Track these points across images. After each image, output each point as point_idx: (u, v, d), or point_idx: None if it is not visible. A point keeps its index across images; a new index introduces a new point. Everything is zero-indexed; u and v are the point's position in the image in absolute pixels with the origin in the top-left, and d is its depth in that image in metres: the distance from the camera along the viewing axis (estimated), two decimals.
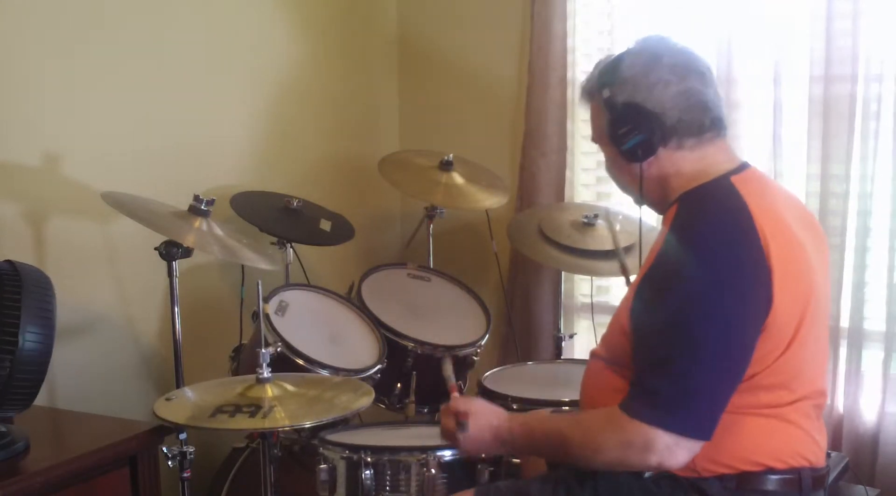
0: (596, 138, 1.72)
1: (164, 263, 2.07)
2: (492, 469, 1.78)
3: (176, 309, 2.11)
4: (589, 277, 2.93)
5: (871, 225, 2.50)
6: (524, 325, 3.05)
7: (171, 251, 2.05)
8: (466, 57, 3.18)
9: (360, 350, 2.36)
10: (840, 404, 2.55)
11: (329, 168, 3.09)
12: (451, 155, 2.79)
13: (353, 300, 2.50)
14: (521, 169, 3.04)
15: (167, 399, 1.79)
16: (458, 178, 2.79)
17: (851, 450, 2.51)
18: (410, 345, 2.42)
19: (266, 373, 1.77)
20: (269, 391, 1.74)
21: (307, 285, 2.53)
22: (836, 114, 2.49)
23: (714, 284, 1.46)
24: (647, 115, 1.58)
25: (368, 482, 1.77)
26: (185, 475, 2.08)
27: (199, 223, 2.11)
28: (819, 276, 1.59)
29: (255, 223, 2.46)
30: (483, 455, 1.84)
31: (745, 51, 2.62)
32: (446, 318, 2.59)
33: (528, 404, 2.16)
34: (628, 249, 2.59)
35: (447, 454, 1.79)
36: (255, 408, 1.69)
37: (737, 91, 2.62)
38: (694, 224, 1.53)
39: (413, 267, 2.74)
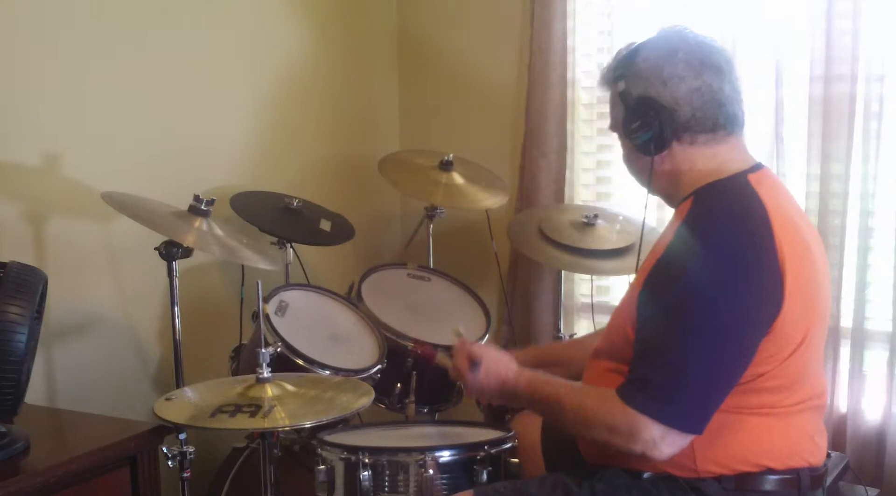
0: (612, 127, 1.72)
1: (164, 263, 2.07)
2: (490, 469, 1.78)
3: (176, 309, 2.11)
4: (589, 277, 2.93)
5: (872, 225, 2.49)
6: (524, 325, 3.05)
7: (171, 251, 2.05)
8: (466, 57, 3.17)
9: (360, 350, 2.36)
10: (842, 405, 2.55)
11: (329, 168, 3.09)
12: (451, 155, 2.79)
13: (353, 300, 2.50)
14: (521, 169, 3.04)
15: (167, 399, 1.78)
16: (458, 178, 2.79)
17: (854, 450, 2.51)
18: (410, 345, 2.42)
19: (266, 372, 1.76)
20: (269, 391, 1.74)
21: (307, 285, 2.53)
22: (837, 114, 2.48)
23: (721, 281, 1.45)
24: (660, 109, 1.58)
25: (367, 483, 1.77)
26: (185, 475, 2.08)
27: (199, 223, 2.11)
28: (823, 279, 1.60)
29: (255, 223, 2.46)
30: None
31: (746, 51, 2.62)
32: (446, 318, 2.59)
33: None
34: (625, 250, 2.61)
35: (445, 454, 1.78)
36: (256, 407, 1.68)
37: None
38: (710, 218, 1.53)
39: (413, 267, 2.74)
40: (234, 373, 2.35)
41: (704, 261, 1.47)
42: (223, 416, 1.66)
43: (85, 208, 2.31)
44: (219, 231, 2.14)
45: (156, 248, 2.06)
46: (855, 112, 2.46)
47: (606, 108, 1.76)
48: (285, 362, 2.13)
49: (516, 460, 1.88)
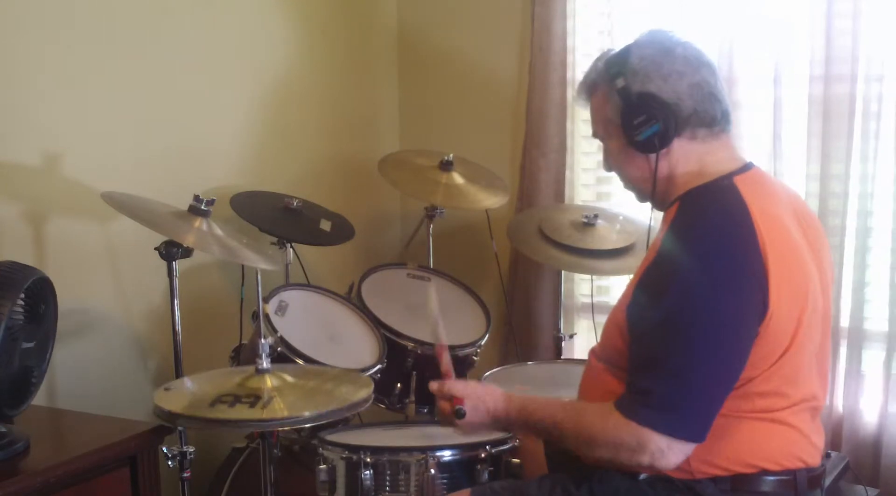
0: (601, 131, 1.69)
1: (164, 263, 2.07)
2: (491, 469, 1.78)
3: (176, 309, 2.11)
4: (589, 277, 2.93)
5: (871, 225, 2.50)
6: (524, 325, 3.05)
7: (171, 251, 2.05)
8: (466, 57, 3.17)
9: (360, 350, 2.36)
10: (840, 405, 2.55)
11: (329, 168, 3.09)
12: (451, 155, 2.79)
13: (353, 300, 2.50)
14: (521, 169, 3.04)
15: (166, 389, 1.78)
16: (458, 178, 2.79)
17: (851, 450, 2.51)
18: (410, 345, 2.42)
19: (265, 363, 1.76)
20: (269, 382, 1.74)
21: (307, 285, 2.53)
22: (836, 114, 2.48)
23: (710, 287, 1.45)
24: (662, 104, 1.57)
25: (368, 482, 1.77)
26: (185, 475, 2.08)
27: (199, 223, 2.10)
28: (816, 281, 1.58)
29: (255, 223, 2.46)
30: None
31: (745, 51, 2.62)
32: (446, 318, 2.57)
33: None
34: (625, 250, 2.60)
35: (447, 454, 1.79)
36: (255, 398, 1.68)
37: (737, 91, 2.62)
38: (694, 225, 1.53)
39: (413, 267, 2.74)
40: None
41: (692, 270, 1.46)
42: (222, 406, 1.65)
43: (85, 208, 2.31)
44: (219, 231, 2.14)
45: (156, 248, 2.06)
46: (854, 112, 2.47)
47: None
48: (285, 362, 2.13)
49: (517, 460, 1.88)
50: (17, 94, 2.16)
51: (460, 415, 1.63)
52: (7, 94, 2.14)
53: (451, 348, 2.41)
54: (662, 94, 1.57)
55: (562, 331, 2.91)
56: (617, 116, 1.62)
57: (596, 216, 2.70)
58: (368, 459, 1.78)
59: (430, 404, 2.47)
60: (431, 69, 3.27)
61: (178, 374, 2.15)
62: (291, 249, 2.55)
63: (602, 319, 2.87)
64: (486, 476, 1.79)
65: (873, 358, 2.52)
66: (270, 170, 2.84)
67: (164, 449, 1.99)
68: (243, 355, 2.36)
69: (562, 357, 2.86)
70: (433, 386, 1.71)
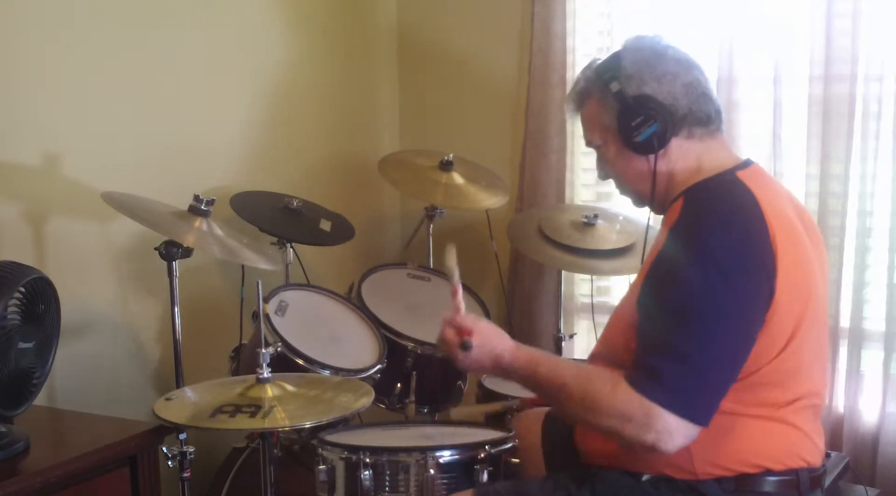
0: (596, 139, 1.70)
1: (164, 263, 2.07)
2: (491, 469, 1.78)
3: (176, 309, 2.11)
4: (589, 277, 2.93)
5: (871, 225, 2.50)
6: (524, 325, 3.05)
7: (171, 251, 2.05)
8: (466, 57, 3.18)
9: (360, 350, 2.36)
10: (840, 404, 2.55)
11: (329, 168, 3.09)
12: (451, 155, 2.80)
13: (353, 300, 2.50)
14: (521, 169, 3.04)
15: (167, 399, 1.78)
16: (458, 178, 2.79)
17: (851, 450, 2.51)
18: (410, 345, 2.42)
19: (266, 373, 1.77)
20: (269, 391, 1.74)
21: (307, 285, 2.53)
22: (836, 114, 2.49)
23: (723, 274, 1.46)
24: (659, 105, 1.59)
25: (367, 482, 1.77)
26: (185, 475, 2.08)
27: (199, 223, 2.11)
28: (819, 277, 1.60)
29: (255, 223, 2.47)
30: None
31: (745, 51, 2.62)
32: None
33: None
34: (625, 250, 2.61)
35: (446, 454, 1.78)
36: (255, 408, 1.68)
37: (737, 91, 2.62)
38: (704, 215, 1.53)
39: (413, 267, 2.74)
40: (235, 373, 2.35)
41: (703, 258, 1.47)
42: (223, 417, 1.66)
43: (85, 208, 2.31)
44: (219, 231, 2.14)
45: (156, 248, 2.06)
46: (854, 112, 2.47)
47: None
48: (285, 362, 2.14)
49: (517, 460, 1.88)
50: (17, 94, 2.16)
51: (467, 347, 1.61)
52: (7, 94, 2.14)
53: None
54: (658, 94, 1.60)
55: (562, 332, 2.91)
56: (613, 120, 1.64)
57: (596, 216, 2.70)
58: (368, 459, 1.78)
59: (429, 404, 2.47)
60: (431, 69, 3.28)
61: (179, 374, 2.15)
62: (291, 249, 2.55)
63: (602, 319, 2.87)
64: (485, 476, 1.78)
65: (873, 358, 2.53)
66: (270, 170, 2.84)
67: (164, 449, 1.99)
68: (243, 355, 2.37)
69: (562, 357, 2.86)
70: (446, 315, 1.68)
